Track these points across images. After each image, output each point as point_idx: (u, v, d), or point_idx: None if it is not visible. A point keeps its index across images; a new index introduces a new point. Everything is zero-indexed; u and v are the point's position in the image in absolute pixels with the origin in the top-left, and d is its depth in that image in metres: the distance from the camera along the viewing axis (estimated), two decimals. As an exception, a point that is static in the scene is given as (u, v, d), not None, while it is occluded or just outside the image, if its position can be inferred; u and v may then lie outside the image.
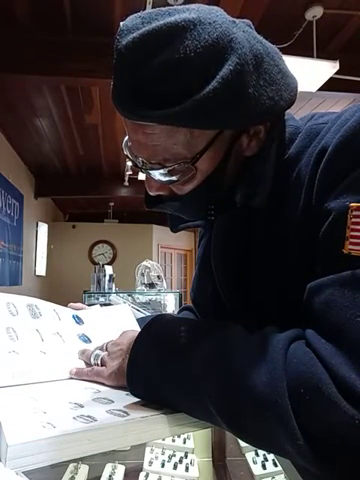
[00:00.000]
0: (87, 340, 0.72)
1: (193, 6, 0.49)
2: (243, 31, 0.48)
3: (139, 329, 0.60)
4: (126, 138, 0.54)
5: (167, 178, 0.52)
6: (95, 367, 0.63)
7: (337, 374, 0.39)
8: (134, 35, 0.45)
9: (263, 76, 0.48)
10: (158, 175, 0.52)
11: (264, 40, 0.52)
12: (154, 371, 0.52)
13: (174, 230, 0.68)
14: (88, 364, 0.66)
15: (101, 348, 0.65)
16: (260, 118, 0.50)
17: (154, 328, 0.56)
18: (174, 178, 0.52)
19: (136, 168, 0.55)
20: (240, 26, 0.49)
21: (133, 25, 0.47)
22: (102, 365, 0.62)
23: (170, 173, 0.52)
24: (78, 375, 0.63)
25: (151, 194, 0.57)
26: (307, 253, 0.50)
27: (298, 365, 0.42)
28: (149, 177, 0.55)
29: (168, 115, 0.45)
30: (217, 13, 0.48)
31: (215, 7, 0.50)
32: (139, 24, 0.46)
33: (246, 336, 0.50)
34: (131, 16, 0.49)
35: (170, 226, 0.68)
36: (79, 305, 0.82)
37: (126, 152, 0.55)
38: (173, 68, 0.44)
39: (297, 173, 0.53)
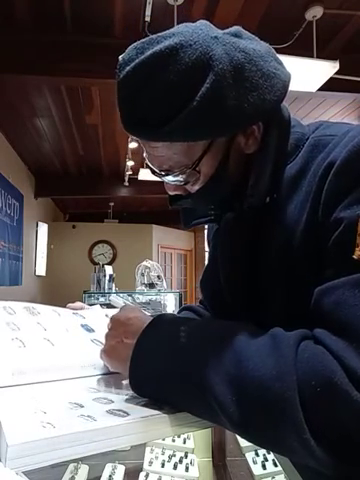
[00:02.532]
0: (90, 330, 0.72)
1: (180, 28, 0.55)
2: (224, 45, 0.53)
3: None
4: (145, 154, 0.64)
5: (177, 182, 0.61)
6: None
7: (349, 366, 0.41)
8: (128, 69, 0.54)
9: (244, 84, 0.53)
10: (169, 179, 0.62)
11: (250, 46, 0.56)
12: (157, 368, 0.52)
13: (187, 226, 0.75)
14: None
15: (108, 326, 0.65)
16: (244, 123, 0.56)
17: (159, 325, 0.56)
18: (182, 181, 0.61)
19: (155, 175, 0.64)
20: (222, 40, 0.54)
21: (129, 57, 0.55)
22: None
23: (178, 177, 0.60)
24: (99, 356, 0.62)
25: (170, 194, 0.66)
26: (312, 259, 0.53)
27: (310, 359, 0.43)
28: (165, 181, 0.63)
29: (161, 134, 0.53)
30: (199, 32, 0.54)
31: (201, 24, 0.56)
32: (134, 55, 0.54)
33: (254, 333, 0.49)
34: (129, 47, 0.56)
35: (183, 223, 0.74)
36: (78, 305, 0.81)
37: (149, 166, 0.64)
38: (159, 94, 0.52)
39: (304, 181, 0.57)
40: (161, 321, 0.57)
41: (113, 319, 0.61)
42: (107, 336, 0.60)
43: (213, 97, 0.51)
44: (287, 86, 0.59)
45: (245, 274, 0.63)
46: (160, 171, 0.61)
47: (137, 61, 0.53)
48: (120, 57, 0.56)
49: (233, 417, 0.45)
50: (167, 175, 0.61)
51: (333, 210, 0.50)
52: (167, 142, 0.56)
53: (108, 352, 0.58)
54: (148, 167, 0.65)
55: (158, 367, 0.52)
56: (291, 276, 0.56)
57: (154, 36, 0.55)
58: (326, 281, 0.49)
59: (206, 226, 0.88)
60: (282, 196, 0.59)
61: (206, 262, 0.88)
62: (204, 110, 0.52)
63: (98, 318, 0.76)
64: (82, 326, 0.72)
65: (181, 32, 0.54)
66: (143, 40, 0.55)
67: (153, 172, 0.64)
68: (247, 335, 0.49)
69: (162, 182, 0.65)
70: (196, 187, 0.62)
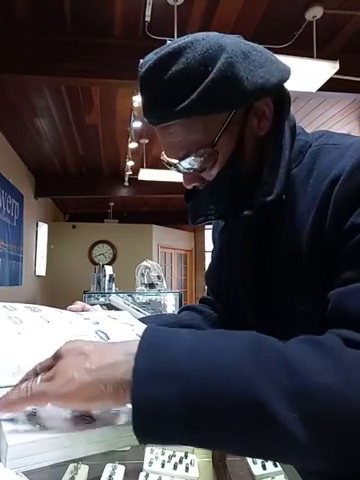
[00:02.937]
0: (95, 323, 0.71)
1: (190, 34, 0.63)
2: (230, 39, 0.62)
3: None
4: (162, 153, 0.68)
5: (195, 166, 0.63)
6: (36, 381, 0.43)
7: None
8: (149, 63, 0.61)
9: (252, 63, 0.61)
10: (188, 165, 0.64)
11: (252, 43, 0.64)
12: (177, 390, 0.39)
13: (194, 223, 0.75)
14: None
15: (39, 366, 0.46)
16: (257, 93, 0.61)
17: (158, 340, 0.44)
18: (201, 164, 0.63)
19: (172, 167, 0.66)
20: (228, 37, 0.63)
21: (149, 58, 0.61)
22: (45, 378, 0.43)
23: (197, 161, 0.63)
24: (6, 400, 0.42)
25: (187, 188, 0.69)
26: (317, 261, 0.56)
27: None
28: (184, 172, 0.66)
29: (183, 109, 0.58)
30: (208, 33, 0.62)
31: (208, 32, 0.64)
32: (153, 55, 0.61)
33: (283, 343, 0.44)
34: (149, 54, 0.63)
35: (190, 219, 0.75)
36: (79, 306, 0.75)
37: (165, 161, 0.67)
38: (179, 76, 0.58)
39: (308, 186, 0.60)
40: (158, 334, 0.44)
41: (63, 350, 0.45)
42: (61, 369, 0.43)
43: (227, 71, 0.58)
44: (289, 71, 0.65)
45: (256, 273, 0.66)
46: (178, 158, 0.63)
47: (157, 56, 0.60)
48: (141, 60, 0.62)
49: (300, 439, 0.37)
50: (185, 160, 0.63)
51: (346, 217, 0.53)
52: (187, 120, 0.59)
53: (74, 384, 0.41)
54: (165, 162, 0.68)
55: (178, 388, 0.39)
56: (297, 276, 0.59)
57: (169, 42, 0.63)
58: (344, 284, 0.50)
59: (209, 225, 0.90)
60: (288, 199, 0.62)
61: (208, 260, 0.95)
62: (220, 82, 0.58)
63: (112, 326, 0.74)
64: (96, 333, 0.69)
65: (192, 35, 0.62)
66: (162, 47, 0.62)
67: (170, 165, 0.66)
68: (281, 343, 0.43)
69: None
70: (214, 171, 0.64)
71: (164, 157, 0.67)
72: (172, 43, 0.61)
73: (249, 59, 0.61)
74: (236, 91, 0.59)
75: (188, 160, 0.63)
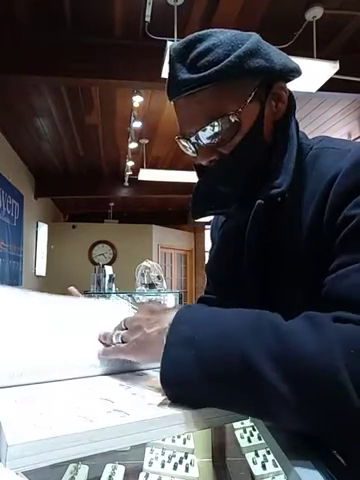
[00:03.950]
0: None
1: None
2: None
3: None
4: (177, 136, 0.70)
5: (217, 136, 0.66)
6: (117, 345, 0.61)
7: None
8: (182, 41, 0.66)
9: (273, 49, 0.68)
10: (209, 134, 0.66)
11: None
12: (194, 355, 0.49)
13: (195, 217, 0.79)
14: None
15: (119, 327, 0.64)
16: (280, 70, 0.67)
17: (189, 312, 0.55)
18: (223, 134, 0.65)
19: (195, 144, 0.68)
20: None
21: (178, 42, 0.67)
22: (123, 342, 0.60)
23: (219, 131, 0.65)
24: (105, 354, 0.63)
25: (203, 163, 0.69)
26: (315, 254, 0.61)
27: (349, 333, 0.45)
28: (201, 147, 0.68)
29: (218, 71, 0.62)
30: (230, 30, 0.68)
31: None
32: (181, 40, 0.67)
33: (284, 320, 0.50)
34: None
35: (192, 213, 0.78)
36: (76, 290, 0.84)
37: (181, 136, 0.69)
38: (213, 48, 0.64)
39: (309, 184, 0.65)
40: (188, 310, 0.55)
41: (126, 321, 0.61)
42: (126, 338, 0.59)
43: (256, 47, 0.65)
44: (299, 69, 0.71)
45: (259, 264, 0.69)
46: (201, 127, 0.65)
47: (187, 38, 0.66)
48: (169, 43, 0.71)
49: (285, 396, 0.43)
50: (207, 130, 0.65)
51: (340, 210, 0.58)
52: (216, 86, 0.63)
53: (130, 348, 0.58)
54: (181, 138, 0.69)
55: (195, 353, 0.49)
56: (298, 266, 0.64)
57: (170, 42, 0.74)
58: (336, 270, 0.55)
59: (205, 222, 0.94)
60: (290, 194, 0.65)
61: (207, 258, 0.95)
62: (252, 51, 0.64)
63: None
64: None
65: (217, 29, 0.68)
66: None
67: (188, 140, 0.68)
68: (280, 317, 0.50)
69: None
70: (234, 142, 0.66)
71: (180, 136, 0.69)
72: (198, 32, 0.66)
73: (271, 47, 0.68)
74: (265, 62, 0.65)
75: (210, 129, 0.65)
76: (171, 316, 0.54)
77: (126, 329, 0.61)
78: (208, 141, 0.66)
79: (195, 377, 0.48)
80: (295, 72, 0.70)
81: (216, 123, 0.65)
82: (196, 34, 0.66)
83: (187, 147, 0.70)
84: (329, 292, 0.55)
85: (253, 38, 0.66)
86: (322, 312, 0.51)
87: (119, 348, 0.60)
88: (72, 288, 0.85)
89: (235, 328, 0.49)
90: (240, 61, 0.63)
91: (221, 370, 0.47)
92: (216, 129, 0.65)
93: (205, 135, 0.66)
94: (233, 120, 0.65)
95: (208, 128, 0.65)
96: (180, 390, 0.50)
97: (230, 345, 0.48)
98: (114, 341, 0.63)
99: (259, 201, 0.67)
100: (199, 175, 0.75)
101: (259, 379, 0.44)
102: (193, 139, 0.67)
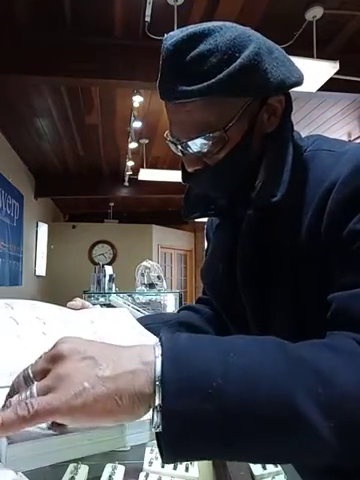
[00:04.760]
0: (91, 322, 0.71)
1: (219, 21, 0.64)
2: (255, 33, 0.63)
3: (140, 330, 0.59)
4: (167, 132, 0.68)
5: (203, 148, 0.63)
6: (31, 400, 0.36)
7: None
8: (177, 38, 0.60)
9: (275, 59, 0.63)
10: (196, 147, 0.64)
11: (272, 42, 0.65)
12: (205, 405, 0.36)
13: (187, 218, 0.77)
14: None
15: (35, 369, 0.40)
16: (276, 88, 0.63)
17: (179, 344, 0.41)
18: (209, 147, 0.63)
19: (182, 150, 0.66)
20: (253, 31, 0.64)
21: (175, 34, 0.61)
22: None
23: (206, 144, 0.63)
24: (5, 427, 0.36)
25: (189, 170, 0.68)
26: (313, 262, 0.59)
27: None
28: (188, 154, 0.66)
29: (208, 86, 0.58)
30: (236, 24, 0.63)
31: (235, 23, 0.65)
32: (179, 32, 0.61)
33: (302, 345, 0.45)
34: (174, 31, 0.62)
35: (184, 213, 0.77)
36: (78, 303, 0.73)
37: (168, 139, 0.68)
38: (207, 54, 0.59)
39: (304, 189, 0.62)
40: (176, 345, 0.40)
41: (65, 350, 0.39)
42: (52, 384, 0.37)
43: (255, 60, 0.60)
44: (302, 76, 0.67)
45: (252, 272, 0.67)
46: (188, 138, 0.63)
47: (187, 32, 0.60)
48: (165, 34, 0.62)
49: (333, 446, 0.38)
50: (194, 141, 0.63)
51: (341, 220, 0.55)
52: (205, 102, 0.60)
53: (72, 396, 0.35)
54: (170, 141, 0.67)
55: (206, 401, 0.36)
56: (295, 275, 0.61)
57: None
58: (347, 288, 0.52)
59: (205, 222, 0.91)
60: (286, 199, 0.63)
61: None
62: (247, 68, 0.59)
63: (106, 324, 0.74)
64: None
65: (221, 22, 0.63)
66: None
67: (175, 144, 0.66)
68: (307, 351, 0.43)
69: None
70: (220, 156, 0.64)
71: (169, 136, 0.67)
72: (200, 24, 0.61)
73: (273, 55, 0.63)
74: (260, 80, 0.61)
75: (197, 141, 0.63)
76: (145, 352, 0.39)
77: (45, 371, 0.38)
78: (194, 151, 0.65)
79: (217, 437, 0.37)
80: (295, 85, 0.66)
81: (202, 137, 0.62)
82: (193, 30, 0.60)
83: (174, 149, 0.69)
84: (341, 311, 0.52)
85: (253, 47, 0.60)
86: (321, 321, 0.51)
87: (43, 404, 0.35)
88: (72, 303, 0.73)
89: (264, 372, 0.39)
90: (232, 80, 0.59)
91: (256, 426, 0.37)
92: (201, 143, 0.63)
93: (191, 145, 0.64)
94: (220, 136, 0.62)
95: (195, 140, 0.63)
96: (191, 450, 0.38)
97: (264, 398, 0.37)
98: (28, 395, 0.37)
99: (249, 212, 0.67)
100: (184, 175, 0.73)
101: (308, 432, 0.37)
102: (180, 147, 0.66)
